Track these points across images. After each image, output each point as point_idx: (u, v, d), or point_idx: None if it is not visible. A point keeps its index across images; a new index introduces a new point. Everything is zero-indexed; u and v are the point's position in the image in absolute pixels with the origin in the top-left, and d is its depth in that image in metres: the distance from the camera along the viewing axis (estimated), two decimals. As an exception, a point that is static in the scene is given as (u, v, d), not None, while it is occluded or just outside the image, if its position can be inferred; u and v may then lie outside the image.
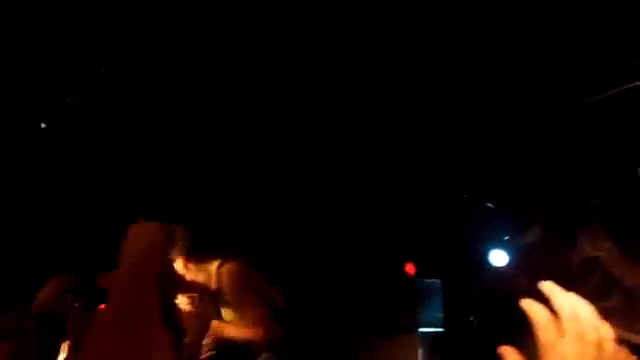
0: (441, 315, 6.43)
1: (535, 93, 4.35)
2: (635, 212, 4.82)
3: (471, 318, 5.94)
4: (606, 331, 0.75)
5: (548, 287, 0.78)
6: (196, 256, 3.26)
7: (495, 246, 5.71)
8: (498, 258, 5.65)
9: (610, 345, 0.73)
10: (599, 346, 0.72)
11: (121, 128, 4.61)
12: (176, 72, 4.09)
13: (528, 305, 0.77)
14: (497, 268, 5.73)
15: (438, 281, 6.43)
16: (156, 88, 4.22)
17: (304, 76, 4.20)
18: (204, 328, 2.52)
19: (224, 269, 3.20)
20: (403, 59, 4.08)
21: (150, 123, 4.56)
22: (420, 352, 7.58)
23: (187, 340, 1.71)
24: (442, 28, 3.81)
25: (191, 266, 3.21)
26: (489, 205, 5.53)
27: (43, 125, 4.13)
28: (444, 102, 4.46)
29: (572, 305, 0.76)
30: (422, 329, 7.41)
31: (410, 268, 6.38)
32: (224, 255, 3.34)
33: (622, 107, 4.28)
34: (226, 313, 3.17)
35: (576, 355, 0.70)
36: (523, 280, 5.59)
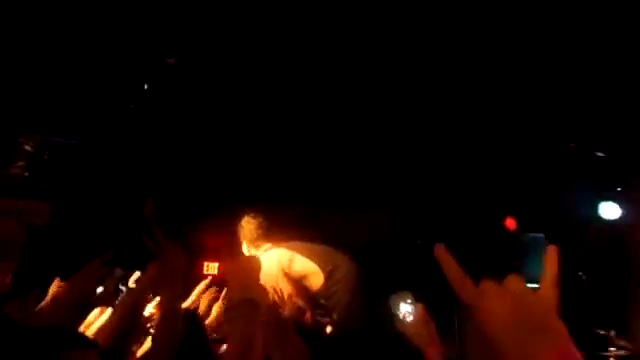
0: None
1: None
2: None
3: (580, 274, 5.68)
4: None
5: None
6: (258, 242, 3.51)
7: (606, 198, 5.37)
8: (609, 211, 5.31)
9: None
10: None
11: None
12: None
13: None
14: (608, 221, 5.40)
15: (541, 235, 6.17)
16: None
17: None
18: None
19: (267, 254, 3.41)
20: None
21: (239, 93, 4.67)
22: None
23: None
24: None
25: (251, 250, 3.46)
26: (599, 154, 5.17)
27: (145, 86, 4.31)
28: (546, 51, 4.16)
29: None
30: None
31: (510, 223, 6.15)
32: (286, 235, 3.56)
33: None
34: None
35: None
36: (638, 234, 5.23)
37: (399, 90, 4.57)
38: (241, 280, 1.59)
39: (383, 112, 4.87)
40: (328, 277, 3.26)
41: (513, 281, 0.68)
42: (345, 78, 4.41)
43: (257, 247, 3.50)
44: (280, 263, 3.33)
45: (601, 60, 4.11)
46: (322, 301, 3.21)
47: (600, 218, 5.44)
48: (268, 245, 3.51)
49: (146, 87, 4.34)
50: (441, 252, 0.71)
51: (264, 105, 4.81)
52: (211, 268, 7.23)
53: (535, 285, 0.71)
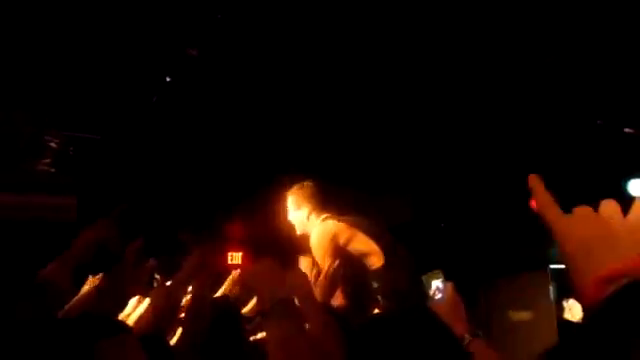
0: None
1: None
2: None
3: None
4: None
5: None
6: (317, 208, 3.28)
7: (635, 175, 5.28)
8: (638, 188, 5.23)
9: None
10: None
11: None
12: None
13: None
14: (637, 198, 5.30)
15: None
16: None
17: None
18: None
19: (323, 225, 3.18)
20: None
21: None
22: (551, 289, 7.32)
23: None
24: None
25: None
26: (627, 130, 5.07)
27: (168, 79, 4.33)
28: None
29: None
30: (552, 266, 7.13)
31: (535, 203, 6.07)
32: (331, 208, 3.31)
33: None
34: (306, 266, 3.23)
35: None
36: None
37: (424, 74, 4.53)
38: (266, 282, 1.56)
39: (406, 93, 4.83)
40: (387, 259, 3.09)
41: (606, 205, 0.70)
42: (374, 63, 4.38)
43: (318, 213, 3.30)
44: (335, 237, 3.13)
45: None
46: (375, 284, 3.06)
47: (629, 195, 5.36)
48: (325, 215, 3.23)
49: (168, 79, 4.36)
50: (533, 180, 0.75)
51: (286, 94, 4.82)
52: (235, 258, 7.30)
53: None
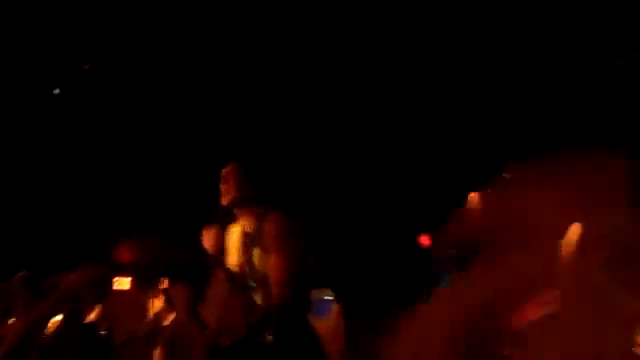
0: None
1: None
2: None
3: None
4: None
5: None
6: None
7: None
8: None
9: None
10: None
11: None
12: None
13: None
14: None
15: (453, 252, 6.36)
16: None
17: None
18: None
19: (271, 215, 3.05)
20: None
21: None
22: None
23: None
24: None
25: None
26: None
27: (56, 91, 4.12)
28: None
29: None
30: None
31: (425, 240, 6.32)
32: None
33: None
34: (260, 259, 3.06)
35: None
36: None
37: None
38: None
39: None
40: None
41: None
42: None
43: None
44: None
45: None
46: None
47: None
48: None
49: (57, 92, 4.14)
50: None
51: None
52: (122, 283, 6.93)
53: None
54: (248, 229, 2.94)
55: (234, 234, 3.10)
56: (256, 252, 2.84)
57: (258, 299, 2.66)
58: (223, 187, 3.13)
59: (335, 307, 1.79)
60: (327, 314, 1.85)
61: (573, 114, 4.82)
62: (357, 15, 4.11)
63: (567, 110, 4.86)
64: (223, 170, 3.11)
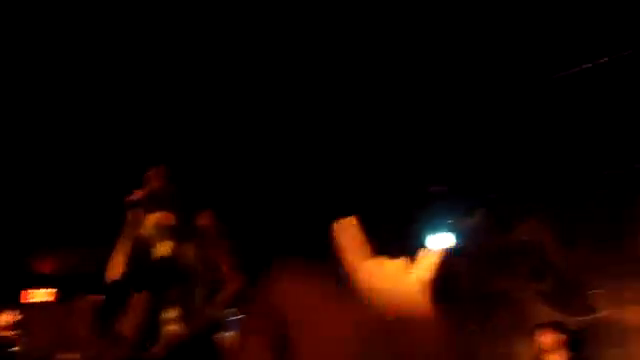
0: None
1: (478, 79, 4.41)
2: (573, 202, 4.99)
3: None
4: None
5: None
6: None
7: (437, 230, 5.81)
8: (437, 242, 5.73)
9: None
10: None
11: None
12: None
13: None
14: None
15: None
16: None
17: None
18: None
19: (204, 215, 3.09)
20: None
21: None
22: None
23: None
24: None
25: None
26: (435, 189, 5.61)
27: None
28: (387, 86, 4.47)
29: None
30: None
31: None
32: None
33: (567, 99, 4.41)
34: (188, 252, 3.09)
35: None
36: (462, 262, 5.72)
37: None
38: None
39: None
40: None
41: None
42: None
43: None
44: None
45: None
46: None
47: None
48: None
49: None
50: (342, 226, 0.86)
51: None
52: (38, 295, 6.61)
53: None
54: (170, 223, 2.98)
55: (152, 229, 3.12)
56: (183, 246, 2.89)
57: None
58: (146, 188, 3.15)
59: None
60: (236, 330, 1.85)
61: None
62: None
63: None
64: (147, 173, 3.10)
